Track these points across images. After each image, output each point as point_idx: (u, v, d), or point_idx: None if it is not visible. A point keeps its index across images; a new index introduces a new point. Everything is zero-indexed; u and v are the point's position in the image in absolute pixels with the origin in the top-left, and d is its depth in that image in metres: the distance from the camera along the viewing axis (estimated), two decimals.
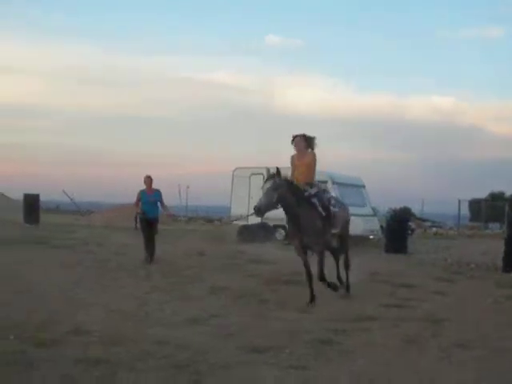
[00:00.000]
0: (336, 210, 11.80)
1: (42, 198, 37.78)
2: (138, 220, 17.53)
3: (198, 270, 15.53)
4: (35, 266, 15.09)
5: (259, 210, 10.80)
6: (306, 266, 11.38)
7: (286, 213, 11.22)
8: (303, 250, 11.42)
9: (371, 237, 29.48)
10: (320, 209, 11.32)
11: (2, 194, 69.19)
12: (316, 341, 8.36)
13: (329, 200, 11.83)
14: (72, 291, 11.52)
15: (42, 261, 16.17)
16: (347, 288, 12.24)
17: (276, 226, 28.72)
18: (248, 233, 27.71)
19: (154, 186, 17.44)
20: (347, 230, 12.81)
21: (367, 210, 30.44)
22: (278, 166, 10.95)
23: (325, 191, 12.18)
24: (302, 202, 11.14)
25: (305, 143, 11.67)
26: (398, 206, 29.23)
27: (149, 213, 17.32)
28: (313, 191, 11.49)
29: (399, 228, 25.50)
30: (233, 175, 32.28)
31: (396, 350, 8.12)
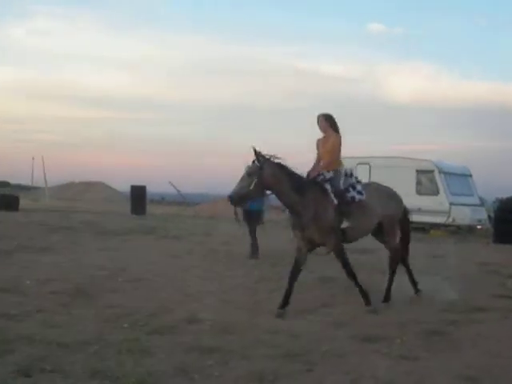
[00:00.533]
0: (360, 197, 9.93)
1: (148, 190, 38.29)
2: (240, 211, 16.66)
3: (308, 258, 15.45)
4: (145, 255, 15.38)
5: (231, 199, 9.40)
6: (296, 263, 9.85)
7: (280, 201, 9.84)
8: (308, 247, 9.86)
9: (479, 227, 28.93)
10: (332, 196, 9.65)
11: (109, 187, 70.95)
12: (426, 331, 8.26)
13: (352, 186, 9.97)
14: (182, 280, 11.69)
15: (152, 251, 16.49)
16: (385, 297, 10.32)
17: None
18: None
19: None
20: (390, 225, 10.59)
21: (475, 200, 29.89)
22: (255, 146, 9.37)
23: (346, 176, 10.07)
24: (303, 187, 9.54)
25: (327, 123, 10.07)
26: (504, 195, 28.35)
27: (251, 203, 16.66)
28: (328, 175, 9.83)
29: (508, 218, 24.78)
30: None
31: (506, 342, 7.95)
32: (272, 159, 9.45)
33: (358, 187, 9.99)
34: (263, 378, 6.21)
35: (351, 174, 10.13)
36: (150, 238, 20.19)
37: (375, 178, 29.77)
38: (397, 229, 10.79)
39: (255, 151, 9.30)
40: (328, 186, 9.65)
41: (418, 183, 29.50)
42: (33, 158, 68.40)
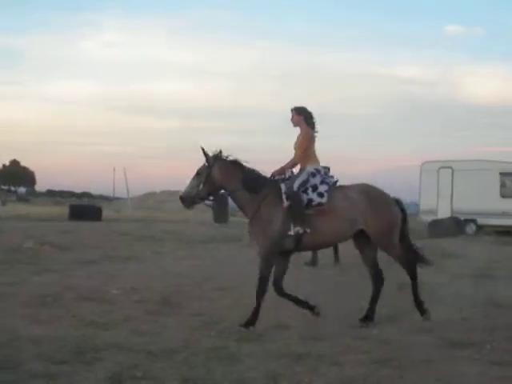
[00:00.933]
0: (320, 199, 8.79)
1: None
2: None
3: (385, 265, 15.30)
4: (230, 263, 15.42)
5: (182, 200, 9.14)
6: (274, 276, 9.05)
7: (233, 201, 9.46)
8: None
9: None
10: (284, 197, 8.77)
11: None
12: None
13: (313, 187, 8.84)
14: (270, 287, 11.56)
15: (236, 259, 16.51)
16: (366, 316, 9.00)
17: (467, 220, 28.21)
18: (438, 227, 27.28)
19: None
20: (381, 234, 9.08)
21: None
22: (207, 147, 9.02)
23: (313, 175, 8.92)
24: (256, 186, 8.92)
25: (300, 117, 9.22)
26: None
27: None
28: (288, 174, 9.12)
29: None
30: (421, 170, 31.88)
31: None
32: (224, 157, 9.10)
33: (322, 188, 8.84)
34: (353, 383, 6.13)
35: (325, 174, 9.09)
36: (234, 246, 20.25)
37: (458, 182, 29.76)
38: (393, 238, 9.21)
39: (203, 150, 9.06)
40: (283, 186, 8.86)
41: (502, 186, 29.10)
42: (114, 169, 69.65)
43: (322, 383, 6.14)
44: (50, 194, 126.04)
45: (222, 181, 9.04)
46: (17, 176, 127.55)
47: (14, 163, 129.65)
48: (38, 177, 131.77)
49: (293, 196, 8.70)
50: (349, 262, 15.51)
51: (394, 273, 11.93)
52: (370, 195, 9.11)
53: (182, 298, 10.48)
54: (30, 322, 8.39)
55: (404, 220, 9.42)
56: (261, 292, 8.68)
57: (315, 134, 9.33)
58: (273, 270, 8.97)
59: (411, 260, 9.34)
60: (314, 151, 9.28)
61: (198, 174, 9.01)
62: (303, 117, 9.25)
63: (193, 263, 14.86)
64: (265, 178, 9.12)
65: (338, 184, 9.25)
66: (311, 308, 9.00)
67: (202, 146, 9.09)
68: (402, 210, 9.45)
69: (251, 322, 8.48)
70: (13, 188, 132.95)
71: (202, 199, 9.31)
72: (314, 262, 15.26)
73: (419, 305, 9.10)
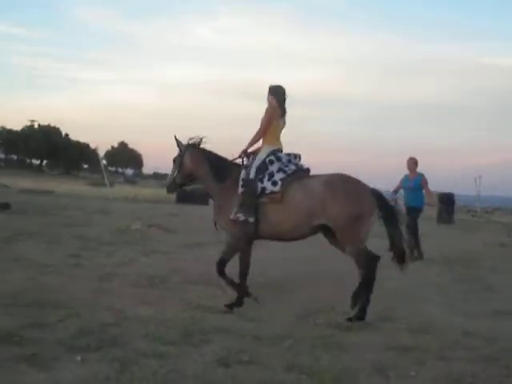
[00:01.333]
0: (273, 188, 8.57)
1: None
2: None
3: (498, 261, 15.03)
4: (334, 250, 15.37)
5: (166, 187, 9.83)
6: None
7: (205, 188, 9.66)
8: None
9: None
10: (240, 184, 8.75)
11: None
12: None
13: (270, 174, 8.68)
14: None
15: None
16: (355, 314, 8.22)
17: None
18: None
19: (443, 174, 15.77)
20: (342, 227, 8.34)
21: None
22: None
23: (271, 162, 8.80)
24: (223, 173, 9.09)
25: (270, 96, 9.21)
26: None
27: (410, 200, 15.25)
28: (251, 160, 9.04)
29: None
30: None
31: None
32: (197, 145, 9.38)
33: (277, 177, 8.62)
34: (461, 380, 6.01)
35: (288, 161, 8.89)
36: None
37: None
38: (358, 231, 8.41)
39: (175, 139, 9.44)
40: (242, 173, 8.82)
41: None
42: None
43: (429, 378, 6.06)
44: (157, 176, 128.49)
45: (192, 168, 9.35)
46: (124, 158, 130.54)
47: (122, 145, 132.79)
48: (144, 159, 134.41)
49: (248, 184, 8.69)
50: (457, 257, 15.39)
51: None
52: (335, 186, 8.46)
53: (289, 285, 10.56)
54: (137, 303, 8.55)
55: (387, 212, 8.68)
56: (220, 274, 8.90)
57: (283, 118, 9.17)
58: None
59: (370, 259, 8.43)
60: (276, 132, 9.15)
61: (174, 162, 9.48)
62: (274, 97, 9.11)
63: (301, 249, 14.88)
64: (231, 166, 9.19)
65: (313, 173, 8.99)
66: (248, 295, 8.88)
67: (175, 136, 9.48)
68: (381, 201, 8.68)
69: (237, 303, 8.69)
70: (120, 169, 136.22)
71: (180, 186, 9.79)
72: (419, 256, 14.74)
73: (355, 297, 8.29)
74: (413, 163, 15.58)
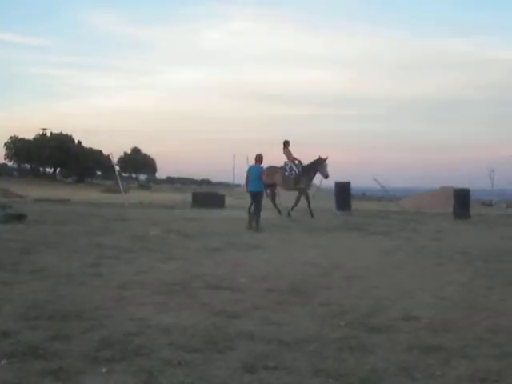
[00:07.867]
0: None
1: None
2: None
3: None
4: (356, 252, 15.38)
5: None
6: None
7: None
8: None
9: None
10: None
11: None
12: None
13: None
14: (395, 277, 11.54)
15: (362, 247, 16.47)
16: None
17: None
18: None
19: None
20: None
21: None
22: None
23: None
24: None
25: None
26: None
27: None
28: None
29: None
30: None
31: None
32: None
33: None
34: (487, 378, 5.95)
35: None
36: (358, 235, 20.22)
37: None
38: None
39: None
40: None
41: None
42: (234, 156, 69.81)
43: (455, 377, 6.00)
44: (170, 180, 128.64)
45: None
46: (138, 163, 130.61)
47: (135, 151, 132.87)
48: (158, 164, 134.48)
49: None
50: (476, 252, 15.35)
51: None
52: None
53: (310, 287, 10.51)
54: (159, 311, 8.52)
55: None
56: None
57: None
58: None
59: None
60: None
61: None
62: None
63: (320, 251, 14.86)
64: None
65: None
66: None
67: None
68: None
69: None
70: (134, 175, 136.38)
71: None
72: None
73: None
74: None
